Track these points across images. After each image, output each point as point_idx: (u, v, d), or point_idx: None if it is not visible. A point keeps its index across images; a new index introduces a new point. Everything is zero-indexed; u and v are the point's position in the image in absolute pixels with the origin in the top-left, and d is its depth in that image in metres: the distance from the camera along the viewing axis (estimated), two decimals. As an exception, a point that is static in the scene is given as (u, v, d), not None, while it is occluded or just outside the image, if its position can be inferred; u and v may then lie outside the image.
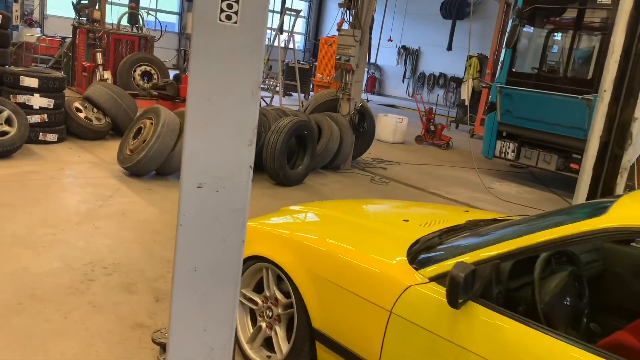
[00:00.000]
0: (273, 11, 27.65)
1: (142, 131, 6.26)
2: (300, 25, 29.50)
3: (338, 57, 7.96)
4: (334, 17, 10.93)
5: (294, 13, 10.21)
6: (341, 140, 7.74)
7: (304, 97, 15.12)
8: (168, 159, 6.10)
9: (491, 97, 9.03)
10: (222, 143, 1.60)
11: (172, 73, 12.65)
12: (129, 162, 6.14)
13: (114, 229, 4.73)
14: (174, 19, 25.54)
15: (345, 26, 8.08)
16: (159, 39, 13.23)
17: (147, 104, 8.92)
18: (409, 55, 24.94)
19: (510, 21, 8.74)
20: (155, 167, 6.14)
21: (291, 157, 7.03)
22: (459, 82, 23.17)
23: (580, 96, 7.71)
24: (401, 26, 24.63)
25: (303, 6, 29.34)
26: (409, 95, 24.51)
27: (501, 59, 8.91)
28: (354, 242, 2.65)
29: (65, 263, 3.90)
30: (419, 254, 2.42)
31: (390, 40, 23.18)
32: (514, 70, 8.73)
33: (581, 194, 4.45)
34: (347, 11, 7.94)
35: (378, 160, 9.20)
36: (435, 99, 23.99)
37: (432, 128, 11.84)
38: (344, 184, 7.38)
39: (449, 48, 22.13)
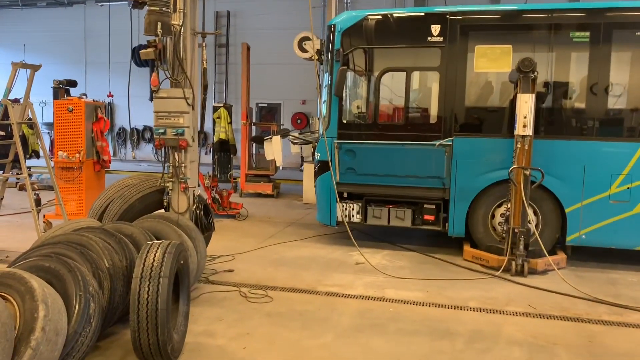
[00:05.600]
0: None
1: None
2: None
3: (162, 130, 5.31)
4: None
5: (30, 68, 6.70)
6: (196, 253, 5.14)
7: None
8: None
9: (320, 155, 7.64)
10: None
11: None
12: None
13: None
14: None
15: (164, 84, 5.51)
16: None
17: None
18: (101, 109, 21.68)
19: (327, 65, 7.54)
20: None
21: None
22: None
23: (437, 142, 7.03)
24: (83, 77, 21.34)
25: None
26: (112, 155, 21.61)
27: (323, 110, 7.59)
28: None
29: None
30: None
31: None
32: (344, 121, 7.54)
33: None
34: (159, 64, 5.40)
35: (207, 259, 6.74)
36: (144, 156, 21.52)
37: (217, 197, 9.76)
38: (229, 322, 4.82)
39: (152, 98, 19.94)
